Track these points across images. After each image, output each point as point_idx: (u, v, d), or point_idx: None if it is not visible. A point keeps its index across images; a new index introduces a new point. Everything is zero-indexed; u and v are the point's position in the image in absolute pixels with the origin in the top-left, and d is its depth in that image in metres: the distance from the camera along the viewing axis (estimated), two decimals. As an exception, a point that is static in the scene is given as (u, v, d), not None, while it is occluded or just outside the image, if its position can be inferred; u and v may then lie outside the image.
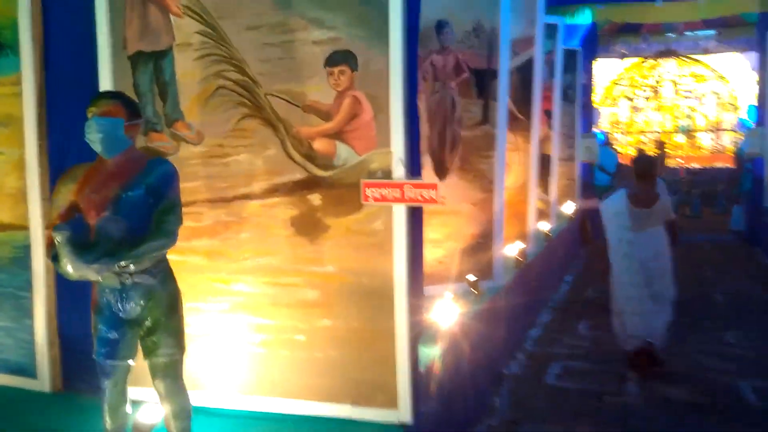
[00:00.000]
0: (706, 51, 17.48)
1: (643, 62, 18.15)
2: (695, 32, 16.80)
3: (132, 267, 2.89)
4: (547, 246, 8.45)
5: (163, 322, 3.01)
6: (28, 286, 4.22)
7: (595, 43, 12.88)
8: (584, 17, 11.60)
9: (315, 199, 3.66)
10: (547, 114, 9.64)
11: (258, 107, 3.67)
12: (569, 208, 10.77)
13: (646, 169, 6.04)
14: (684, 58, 17.77)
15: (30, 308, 4.23)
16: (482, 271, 6.13)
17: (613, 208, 6.02)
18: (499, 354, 6.07)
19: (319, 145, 3.63)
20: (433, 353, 4.18)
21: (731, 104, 17.45)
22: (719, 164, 16.89)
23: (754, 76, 13.69)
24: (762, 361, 6.21)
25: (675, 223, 6.03)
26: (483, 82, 6.07)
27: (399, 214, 3.50)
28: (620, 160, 13.40)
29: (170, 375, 3.06)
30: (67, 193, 2.97)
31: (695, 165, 17.27)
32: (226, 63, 3.70)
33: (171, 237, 2.94)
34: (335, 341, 3.67)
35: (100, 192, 2.89)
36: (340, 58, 3.57)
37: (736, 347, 6.62)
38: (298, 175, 3.67)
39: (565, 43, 10.98)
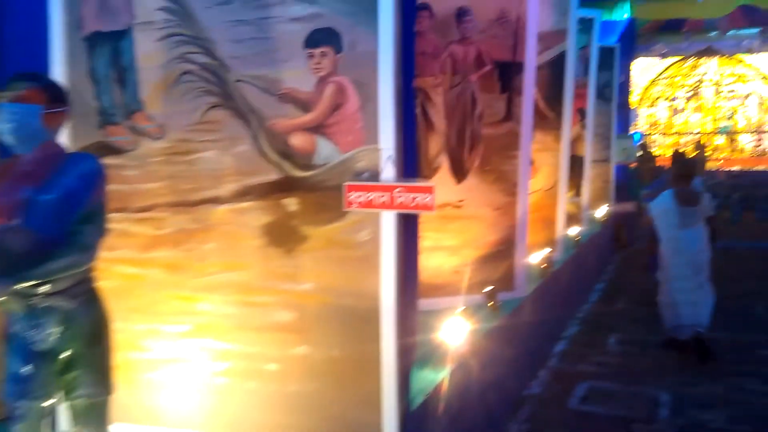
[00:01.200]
0: (749, 51, 16.39)
1: (683, 62, 17.12)
2: (738, 31, 15.73)
3: (44, 288, 2.27)
4: (576, 253, 7.68)
5: (84, 354, 2.40)
6: None
7: (633, 41, 11.96)
8: (622, 13, 10.74)
9: (292, 203, 2.99)
10: (581, 113, 8.87)
11: (227, 96, 3.03)
12: (603, 212, 9.95)
13: (686, 170, 6.33)
14: (726, 58, 16.68)
15: None
16: (503, 282, 5.44)
17: (663, 207, 6.23)
18: (518, 373, 5.36)
19: (297, 140, 2.96)
20: (435, 379, 3.51)
21: (775, 106, 16.37)
22: (762, 167, 15.82)
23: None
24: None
25: (714, 219, 6.33)
26: (507, 75, 5.36)
27: (388, 222, 2.83)
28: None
29: (92, 421, 2.44)
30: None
31: (736, 168, 16.22)
32: (192, 44, 3.06)
33: (86, 252, 2.31)
34: (312, 372, 3.01)
35: (9, 194, 2.27)
36: (322, 38, 2.91)
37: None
38: (273, 175, 3.01)
39: (602, 40, 10.18)
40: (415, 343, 3.21)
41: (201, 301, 3.14)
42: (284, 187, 2.99)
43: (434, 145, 5.14)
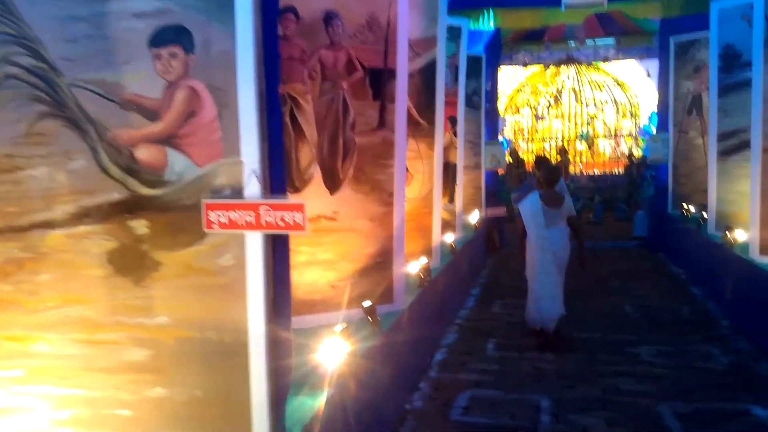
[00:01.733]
0: (605, 59, 17.19)
1: (545, 70, 17.71)
2: (595, 41, 16.45)
3: None
4: (452, 260, 7.60)
5: None
6: None
7: (498, 50, 12.19)
8: (487, 22, 10.88)
9: (140, 226, 2.60)
10: (452, 121, 8.85)
11: (60, 104, 2.59)
12: (475, 217, 9.99)
13: (552, 175, 6.69)
14: (584, 66, 17.42)
15: None
16: (382, 295, 5.22)
17: (531, 208, 6.56)
18: (399, 389, 5.14)
19: (145, 153, 2.57)
20: (313, 406, 3.20)
21: (630, 111, 17.19)
22: (619, 170, 16.59)
23: (653, 83, 13.35)
24: (681, 380, 5.51)
25: (575, 219, 6.81)
26: (379, 82, 5.15)
27: (254, 244, 2.49)
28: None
29: None
30: None
31: (596, 171, 16.93)
32: (16, 44, 2.60)
33: None
34: (172, 417, 2.63)
35: None
36: (170, 36, 2.54)
37: (651, 365, 5.90)
38: (117, 194, 2.61)
39: (469, 49, 10.26)
40: (289, 376, 2.88)
41: (36, 342, 2.67)
42: (130, 207, 2.59)
43: (305, 155, 4.83)
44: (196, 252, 2.50)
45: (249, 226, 2.37)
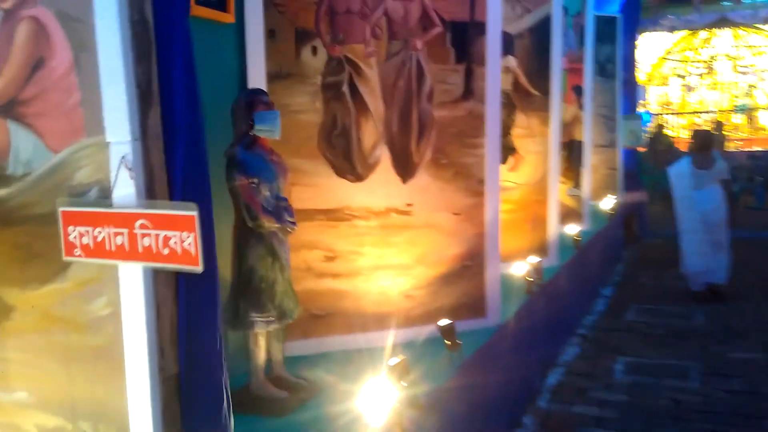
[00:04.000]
0: (766, 20, 14.65)
1: (695, 35, 15.40)
2: (753, -1, 14.03)
3: None
4: (575, 256, 6.23)
5: None
6: None
7: (637, 10, 10.42)
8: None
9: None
10: (577, 91, 7.42)
11: None
12: (609, 203, 8.47)
13: (705, 143, 6.80)
14: (741, 29, 14.96)
15: None
16: (471, 307, 4.09)
17: (679, 170, 6.85)
18: (489, 428, 3.97)
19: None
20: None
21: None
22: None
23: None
24: None
25: (729, 182, 6.73)
26: (464, 40, 3.98)
27: (132, 283, 1.44)
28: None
29: None
30: None
31: (757, 148, 14.53)
32: None
33: None
34: None
35: None
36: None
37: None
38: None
39: (602, 9, 8.71)
40: None
41: None
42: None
43: (369, 133, 3.76)
44: (56, 292, 1.50)
45: (120, 253, 1.34)
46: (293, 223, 3.02)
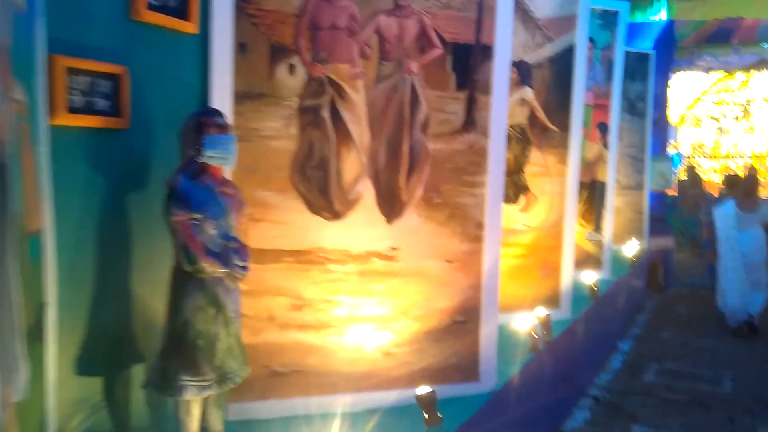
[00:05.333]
0: (808, 64, 13.96)
1: (731, 76, 14.71)
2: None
3: None
4: (590, 308, 5.61)
5: None
6: None
7: (671, 47, 9.84)
8: (659, 12, 8.65)
9: None
10: (602, 128, 6.85)
11: None
12: (632, 248, 7.82)
13: (751, 187, 7.15)
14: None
15: None
16: (462, 369, 3.55)
17: (725, 212, 7.08)
18: None
19: None
20: None
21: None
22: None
23: None
24: None
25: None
26: (467, 64, 3.46)
27: None
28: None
29: None
30: None
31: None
32: None
33: None
34: None
35: None
36: None
37: None
38: None
39: (634, 45, 8.16)
40: None
41: None
42: None
43: (350, 165, 3.24)
44: None
45: None
46: (244, 268, 2.50)
